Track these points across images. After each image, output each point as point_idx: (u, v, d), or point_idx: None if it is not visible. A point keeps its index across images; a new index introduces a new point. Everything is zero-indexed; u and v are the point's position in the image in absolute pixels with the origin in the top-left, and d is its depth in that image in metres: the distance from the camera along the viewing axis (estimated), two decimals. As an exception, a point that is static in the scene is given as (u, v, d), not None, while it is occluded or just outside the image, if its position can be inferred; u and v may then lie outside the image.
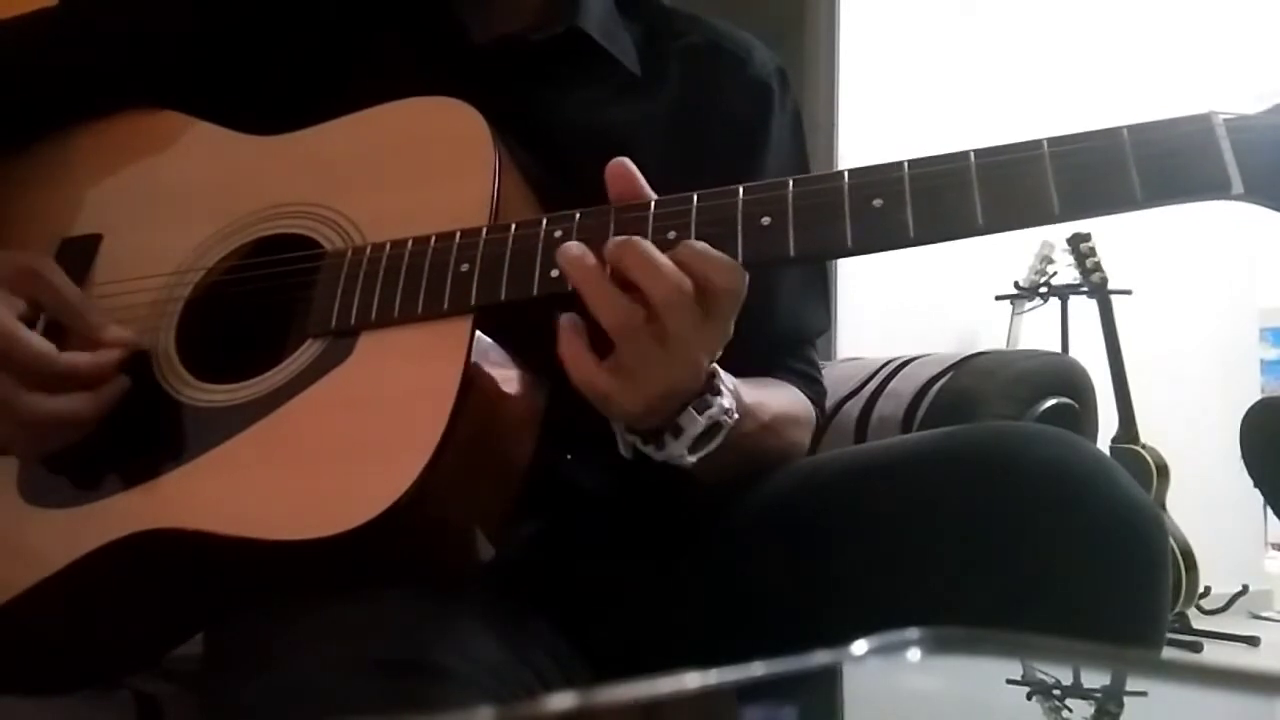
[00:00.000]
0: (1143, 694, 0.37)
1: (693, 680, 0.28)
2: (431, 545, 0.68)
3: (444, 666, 0.57)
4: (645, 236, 0.64)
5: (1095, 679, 0.38)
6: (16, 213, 0.82)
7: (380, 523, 0.61)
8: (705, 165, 0.83)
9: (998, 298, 3.12)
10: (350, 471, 0.64)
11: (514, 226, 0.68)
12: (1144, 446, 2.99)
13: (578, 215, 0.67)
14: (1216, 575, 3.10)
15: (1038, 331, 3.08)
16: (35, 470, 0.73)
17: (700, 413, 0.67)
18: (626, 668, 0.36)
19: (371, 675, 0.56)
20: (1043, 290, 3.12)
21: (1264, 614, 3.54)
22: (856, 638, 0.33)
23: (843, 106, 2.96)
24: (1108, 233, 2.98)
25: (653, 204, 0.66)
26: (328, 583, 0.62)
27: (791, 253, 0.64)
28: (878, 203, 0.63)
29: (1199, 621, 3.08)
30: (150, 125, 0.84)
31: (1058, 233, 3.06)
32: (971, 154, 0.62)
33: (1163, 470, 2.98)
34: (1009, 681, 0.37)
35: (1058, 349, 3.02)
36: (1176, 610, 2.94)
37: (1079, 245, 3.04)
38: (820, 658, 0.31)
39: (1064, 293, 3.11)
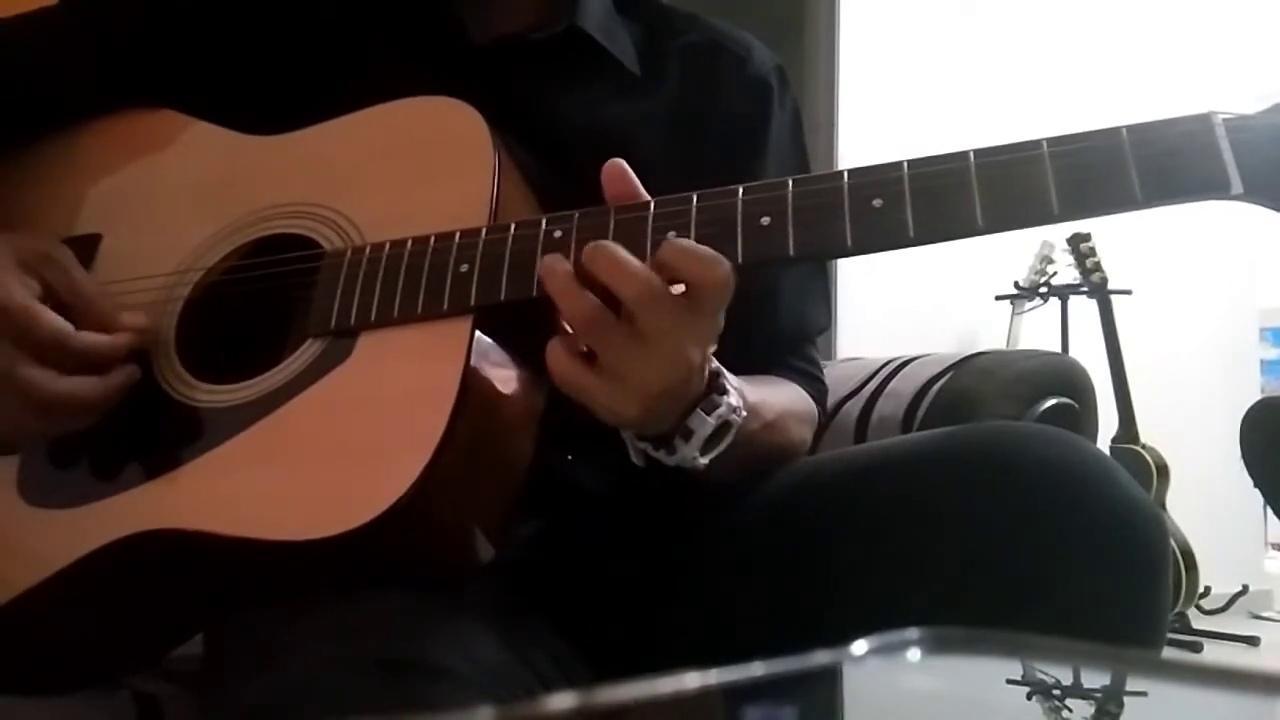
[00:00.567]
0: (1143, 694, 0.37)
1: (693, 680, 0.28)
2: (431, 545, 0.68)
3: (444, 666, 0.57)
4: (644, 237, 0.64)
5: (1095, 679, 0.38)
6: (16, 212, 0.82)
7: (380, 523, 0.61)
8: (705, 164, 0.83)
9: (998, 298, 3.13)
10: (350, 472, 0.64)
11: (513, 227, 0.68)
12: (1144, 446, 3.00)
13: (577, 216, 0.67)
14: (1216, 575, 3.10)
15: (1038, 331, 3.08)
16: (35, 471, 0.73)
17: (709, 413, 0.66)
18: (626, 668, 0.36)
19: (371, 675, 0.55)
20: (1043, 290, 3.12)
21: (1264, 614, 3.54)
22: (856, 638, 0.33)
23: (843, 106, 2.96)
24: (1108, 233, 2.98)
25: (652, 205, 0.66)
26: (327, 583, 0.62)
27: (791, 253, 0.63)
28: (877, 203, 0.62)
29: (1199, 621, 3.08)
30: (150, 125, 0.84)
31: (1058, 233, 3.06)
32: (971, 154, 0.62)
33: (1163, 470, 2.98)
34: (1009, 681, 0.37)
35: (1058, 349, 3.02)
36: (1176, 610, 2.94)
37: (1079, 245, 3.04)
38: (820, 658, 0.31)
39: (1064, 293, 3.11)
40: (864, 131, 2.93)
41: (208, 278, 0.76)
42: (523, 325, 0.66)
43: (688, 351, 0.64)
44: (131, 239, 0.80)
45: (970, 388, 1.08)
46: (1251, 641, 3.01)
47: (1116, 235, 3.00)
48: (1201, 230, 3.47)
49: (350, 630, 0.59)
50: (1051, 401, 1.06)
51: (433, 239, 0.69)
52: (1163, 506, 2.91)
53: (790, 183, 0.64)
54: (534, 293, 0.65)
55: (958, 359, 1.13)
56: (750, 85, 0.90)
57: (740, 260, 0.63)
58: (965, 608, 0.66)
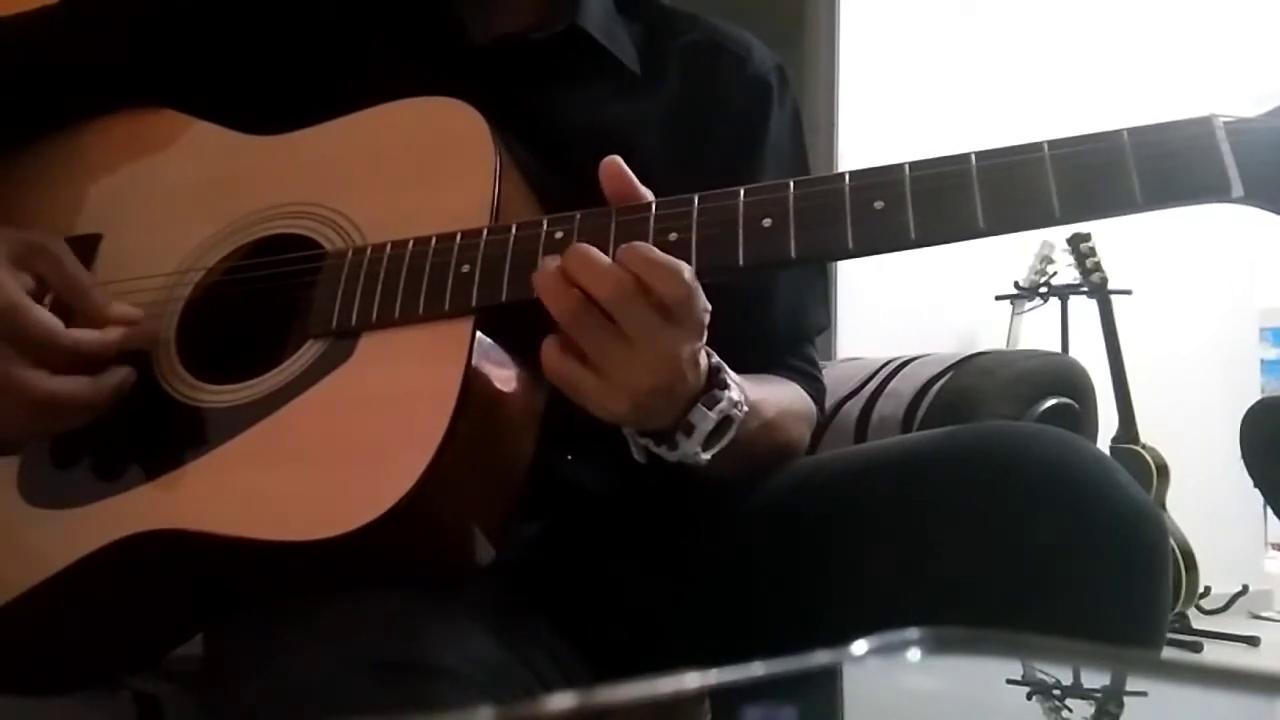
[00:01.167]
0: (1143, 694, 0.37)
1: (693, 680, 0.28)
2: (432, 545, 0.68)
3: (443, 666, 0.57)
4: (646, 238, 0.64)
5: (1095, 679, 0.38)
6: (16, 212, 0.82)
7: (381, 523, 0.61)
8: (705, 163, 0.83)
9: (998, 298, 3.12)
10: (351, 472, 0.64)
11: (515, 228, 0.68)
12: (1144, 446, 2.99)
13: (578, 217, 0.67)
14: (1216, 575, 3.10)
15: (1038, 331, 3.08)
16: (36, 471, 0.73)
17: (710, 408, 0.66)
18: (626, 668, 0.36)
19: (371, 675, 0.56)
20: (1043, 290, 3.12)
21: (1264, 614, 3.54)
22: (856, 638, 0.33)
23: (843, 106, 2.96)
24: (1108, 233, 2.97)
25: (654, 206, 0.66)
26: (328, 583, 0.62)
27: (793, 254, 0.63)
28: (879, 204, 0.63)
29: (1199, 621, 3.08)
30: (150, 125, 0.84)
31: (1058, 233, 3.05)
32: (972, 156, 0.62)
33: (1163, 470, 2.98)
34: (1009, 681, 0.37)
35: (1058, 349, 3.01)
36: (1176, 610, 2.94)
37: (1079, 245, 3.04)
38: (820, 658, 0.31)
39: (1064, 293, 3.11)
40: (864, 131, 2.93)
41: (208, 278, 0.76)
42: (524, 326, 0.66)
43: (674, 348, 0.63)
44: (132, 239, 0.80)
45: (970, 388, 1.08)
46: (1251, 641, 3.01)
47: (1116, 235, 3.00)
48: (1202, 230, 3.47)
49: (350, 630, 0.59)
50: (1051, 401, 1.06)
51: (434, 240, 0.69)
52: (1163, 506, 2.91)
53: (792, 184, 0.65)
54: (535, 294, 0.65)
55: (958, 359, 1.13)
56: (750, 85, 0.90)
57: (742, 262, 0.63)
58: (965, 608, 0.66)
